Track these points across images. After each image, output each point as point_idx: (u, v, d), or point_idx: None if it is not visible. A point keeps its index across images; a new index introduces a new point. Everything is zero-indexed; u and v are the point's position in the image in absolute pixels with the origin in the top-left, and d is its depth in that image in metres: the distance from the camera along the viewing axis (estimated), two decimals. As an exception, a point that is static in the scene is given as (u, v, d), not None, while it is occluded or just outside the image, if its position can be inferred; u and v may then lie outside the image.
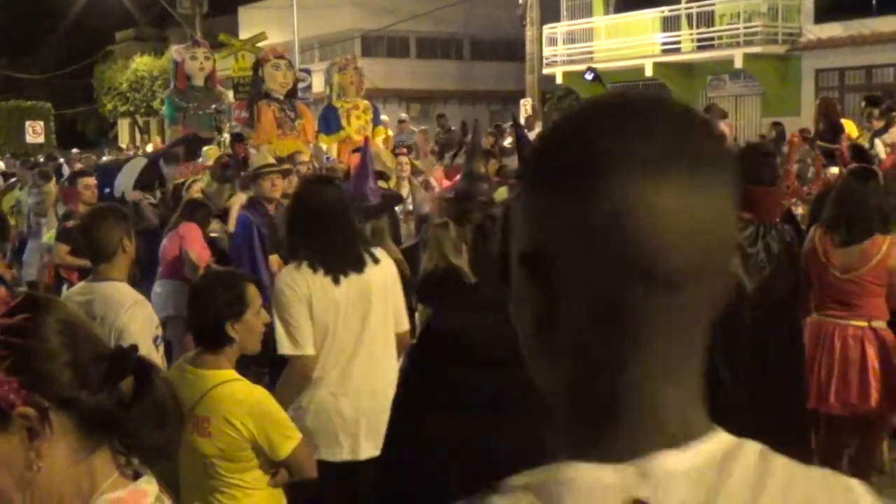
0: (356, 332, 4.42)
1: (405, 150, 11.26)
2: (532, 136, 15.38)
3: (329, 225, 4.43)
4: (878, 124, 12.60)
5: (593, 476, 0.91)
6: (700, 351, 0.95)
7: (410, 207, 9.45)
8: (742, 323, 4.53)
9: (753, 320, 4.54)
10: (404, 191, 9.50)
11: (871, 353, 5.51)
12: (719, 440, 0.94)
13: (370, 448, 4.25)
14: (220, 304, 3.55)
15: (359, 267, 4.45)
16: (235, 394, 3.50)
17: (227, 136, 12.58)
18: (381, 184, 8.63)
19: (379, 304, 4.50)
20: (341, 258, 4.43)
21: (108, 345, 1.68)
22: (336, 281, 4.37)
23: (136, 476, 1.65)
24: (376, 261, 4.54)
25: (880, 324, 5.58)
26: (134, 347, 1.65)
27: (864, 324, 5.55)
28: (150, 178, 11.28)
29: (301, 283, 4.33)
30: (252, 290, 3.65)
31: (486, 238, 3.68)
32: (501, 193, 6.00)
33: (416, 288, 5.83)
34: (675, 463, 0.91)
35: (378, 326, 4.51)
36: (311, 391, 4.37)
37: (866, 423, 5.66)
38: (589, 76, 9.25)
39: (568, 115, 1.00)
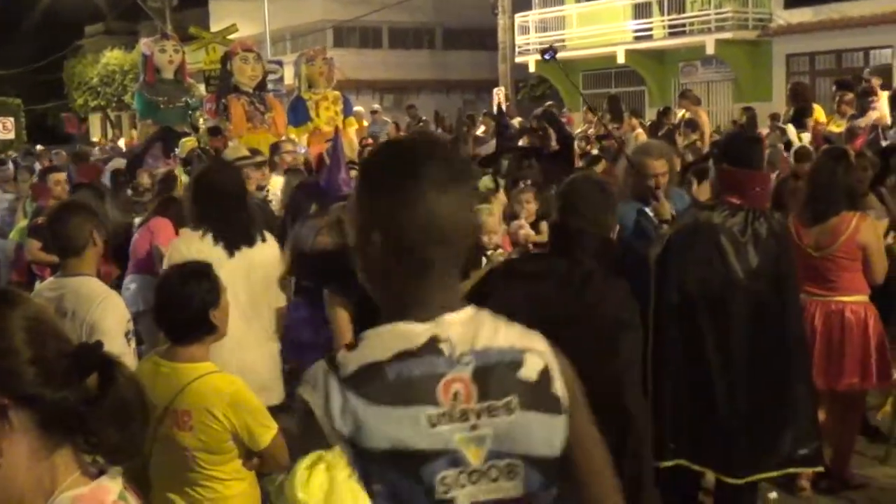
0: (241, 303, 4.71)
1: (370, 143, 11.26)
2: (514, 123, 15.44)
3: (228, 203, 4.94)
4: (849, 110, 12.70)
5: (408, 327, 1.82)
6: (457, 273, 1.90)
7: None
8: (736, 309, 4.53)
9: (747, 305, 4.53)
10: None
11: (852, 327, 5.60)
12: (470, 308, 1.88)
13: None
14: (202, 294, 3.58)
15: (249, 243, 4.96)
16: (216, 386, 3.52)
17: (203, 130, 12.50)
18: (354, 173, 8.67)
19: (262, 279, 4.99)
20: (236, 233, 4.94)
21: (74, 341, 1.67)
22: (231, 254, 4.87)
23: (101, 474, 1.64)
24: (264, 239, 5.07)
25: (860, 297, 5.67)
26: (99, 344, 1.64)
27: (845, 299, 5.64)
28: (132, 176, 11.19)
29: (198, 249, 4.71)
30: (217, 275, 3.71)
31: None
32: (485, 183, 6.01)
33: None
34: (452, 317, 1.84)
35: (260, 300, 4.99)
36: None
37: (849, 397, 5.75)
38: (547, 56, 9.44)
39: (392, 146, 2.01)
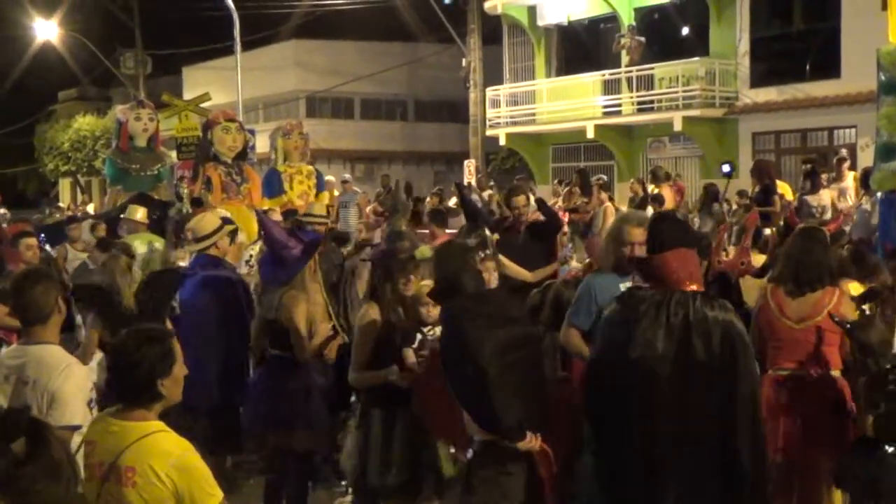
0: None
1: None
2: (486, 195, 15.64)
3: None
4: (806, 185, 13.12)
5: None
6: None
7: None
8: (638, 396, 4.42)
9: (653, 393, 4.39)
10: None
11: (827, 401, 5.63)
12: None
13: None
14: (151, 361, 3.53)
15: None
16: (162, 445, 3.48)
17: (186, 200, 12.44)
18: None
19: None
20: None
21: (34, 409, 1.67)
22: None
23: None
24: None
25: (836, 373, 5.71)
26: (26, 409, 1.65)
27: (822, 372, 5.66)
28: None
29: None
30: (175, 343, 3.64)
31: None
32: (423, 252, 6.09)
33: None
34: None
35: None
36: None
37: (812, 469, 5.74)
38: (726, 168, 10.82)
39: None
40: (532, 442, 4.65)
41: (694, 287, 4.59)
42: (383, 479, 5.61)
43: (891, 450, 5.42)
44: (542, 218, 9.17)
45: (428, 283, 5.59)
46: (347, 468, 5.92)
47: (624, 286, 5.43)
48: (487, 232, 8.61)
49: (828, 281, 5.80)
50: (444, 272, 5.06)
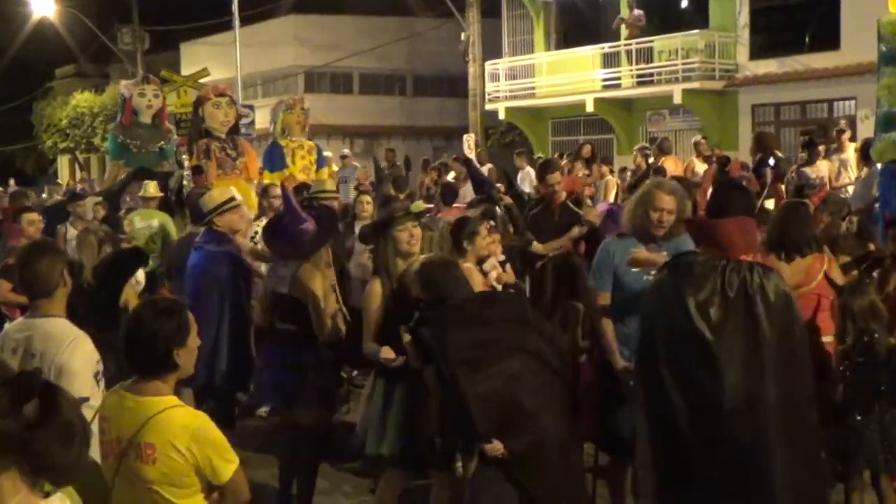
0: None
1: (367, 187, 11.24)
2: (484, 170, 15.64)
3: None
4: (803, 157, 13.17)
5: None
6: None
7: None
8: (699, 366, 4.42)
9: (714, 362, 4.38)
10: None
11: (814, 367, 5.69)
12: None
13: None
14: (167, 332, 3.56)
15: None
16: (179, 419, 3.52)
17: (187, 171, 12.45)
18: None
19: None
20: None
21: (13, 369, 1.70)
22: None
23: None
24: None
25: (828, 339, 5.79)
26: (38, 371, 1.68)
27: (814, 339, 5.71)
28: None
29: None
30: (190, 315, 3.68)
31: None
32: (418, 206, 6.21)
33: None
34: None
35: None
36: None
37: None
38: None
39: None
40: (496, 447, 4.84)
41: (749, 258, 4.59)
42: (377, 449, 5.68)
43: (859, 418, 5.52)
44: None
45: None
46: (358, 435, 5.99)
47: None
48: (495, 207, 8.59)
49: (814, 247, 5.95)
50: (430, 286, 5.29)
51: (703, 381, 4.39)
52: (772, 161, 12.58)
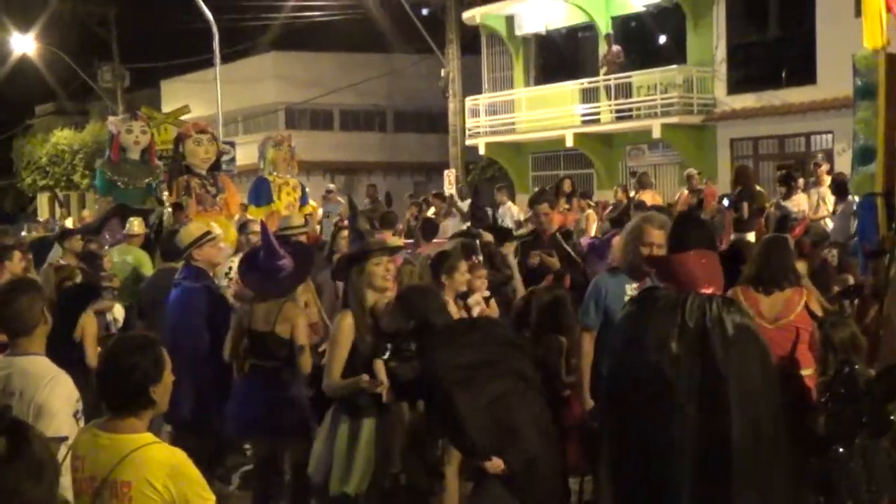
0: None
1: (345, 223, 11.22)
2: (464, 206, 15.70)
3: None
4: (781, 191, 13.36)
5: None
6: None
7: None
8: (662, 403, 4.39)
9: (674, 398, 4.35)
10: None
11: (793, 401, 5.69)
12: None
13: None
14: (142, 368, 3.52)
15: None
16: (156, 456, 3.49)
17: (167, 208, 12.42)
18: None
19: None
20: None
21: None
22: None
23: None
24: None
25: (808, 372, 5.79)
26: (7, 408, 1.67)
27: (793, 372, 5.73)
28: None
29: None
30: (164, 351, 3.64)
31: None
32: (395, 241, 6.33)
33: None
34: None
35: None
36: None
37: None
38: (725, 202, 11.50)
39: None
40: (496, 464, 4.90)
41: (711, 290, 4.52)
42: (343, 487, 5.60)
43: (841, 450, 5.53)
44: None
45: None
46: (313, 476, 5.88)
47: (632, 289, 5.45)
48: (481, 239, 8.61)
49: (793, 280, 5.97)
50: (412, 312, 5.34)
51: (663, 416, 4.35)
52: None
